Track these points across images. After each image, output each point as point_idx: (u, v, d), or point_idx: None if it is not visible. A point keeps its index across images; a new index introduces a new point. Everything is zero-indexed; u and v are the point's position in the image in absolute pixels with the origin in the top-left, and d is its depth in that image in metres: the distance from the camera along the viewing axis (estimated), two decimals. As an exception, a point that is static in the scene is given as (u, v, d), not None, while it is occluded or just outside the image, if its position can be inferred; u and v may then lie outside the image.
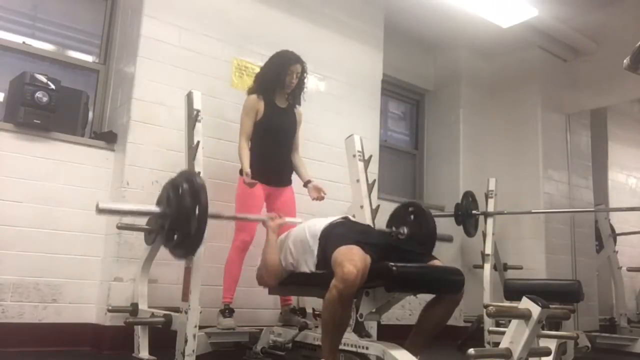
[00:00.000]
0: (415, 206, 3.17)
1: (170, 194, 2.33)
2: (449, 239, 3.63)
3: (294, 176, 3.34)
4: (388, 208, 3.38)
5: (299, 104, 3.37)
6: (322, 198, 3.18)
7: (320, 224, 2.46)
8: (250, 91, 3.26)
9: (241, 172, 3.21)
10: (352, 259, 2.09)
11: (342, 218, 2.57)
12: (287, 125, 3.30)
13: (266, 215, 2.75)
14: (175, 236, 2.30)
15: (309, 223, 2.55)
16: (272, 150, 3.20)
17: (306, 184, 3.24)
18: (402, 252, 2.36)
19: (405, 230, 3.06)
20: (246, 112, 3.19)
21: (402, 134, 5.73)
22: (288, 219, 2.78)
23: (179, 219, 2.28)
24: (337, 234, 2.35)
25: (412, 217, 3.10)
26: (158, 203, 2.41)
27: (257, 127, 3.17)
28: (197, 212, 2.23)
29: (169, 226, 2.31)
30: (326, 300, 2.12)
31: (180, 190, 2.29)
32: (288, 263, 2.53)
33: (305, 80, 3.32)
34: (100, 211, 2.26)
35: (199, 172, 2.59)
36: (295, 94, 3.32)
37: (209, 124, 3.16)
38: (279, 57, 3.24)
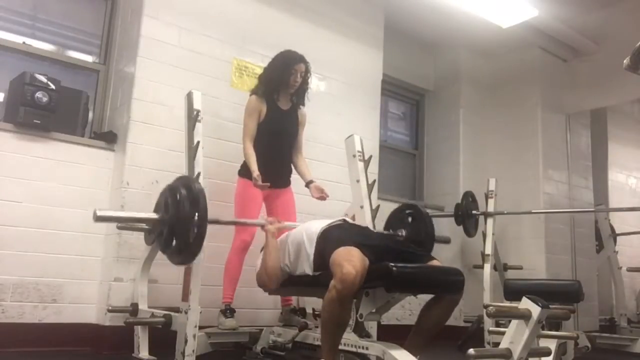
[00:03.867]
0: (413, 208, 3.15)
1: (168, 200, 2.30)
2: (446, 241, 3.62)
3: (294, 177, 3.34)
4: (388, 208, 3.38)
5: (303, 105, 3.36)
6: (324, 198, 3.17)
7: (317, 226, 2.46)
8: (253, 92, 3.25)
9: (240, 172, 3.21)
10: (350, 260, 2.10)
11: (340, 220, 2.58)
12: (288, 127, 3.29)
13: (265, 220, 2.73)
14: (174, 242, 2.27)
15: (307, 225, 2.56)
16: (271, 152, 3.19)
17: (308, 184, 3.24)
18: (401, 252, 2.36)
19: (403, 232, 3.04)
20: (249, 113, 3.18)
21: (402, 134, 5.73)
22: (287, 223, 2.77)
23: (177, 226, 2.25)
24: (336, 235, 2.36)
25: (409, 219, 3.08)
26: (156, 209, 2.38)
27: (259, 129, 3.17)
28: (196, 218, 2.21)
29: (168, 233, 2.28)
30: (325, 301, 2.12)
31: (178, 197, 2.26)
32: (285, 264, 2.53)
33: (309, 80, 3.31)
34: (98, 219, 2.23)
35: (199, 173, 2.59)
36: (299, 94, 3.31)
37: (209, 124, 3.16)
38: (283, 57, 3.23)
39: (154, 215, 2.35)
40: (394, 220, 3.18)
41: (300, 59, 3.21)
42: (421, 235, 3.01)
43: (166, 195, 2.34)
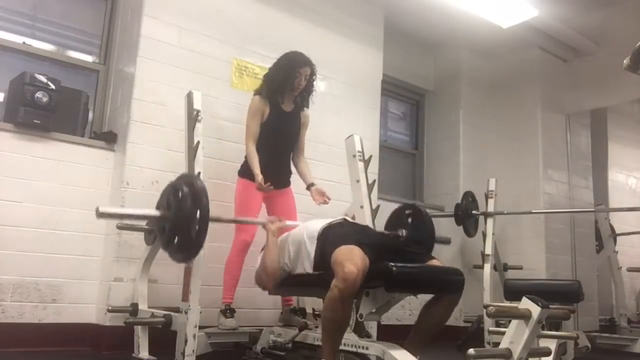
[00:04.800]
0: (413, 208, 3.12)
1: (170, 197, 2.32)
2: (446, 242, 3.62)
3: (294, 177, 3.34)
4: (388, 208, 3.37)
5: (307, 107, 3.34)
6: (326, 202, 3.16)
7: (318, 225, 2.46)
8: (257, 92, 3.23)
9: (240, 172, 3.21)
10: (352, 259, 2.10)
11: (340, 219, 2.58)
12: (290, 129, 3.28)
13: (266, 218, 2.74)
14: (176, 240, 2.28)
15: (307, 224, 2.56)
16: (272, 152, 3.18)
17: (309, 186, 3.23)
18: (401, 252, 2.36)
19: (403, 232, 3.02)
20: (252, 113, 3.16)
21: (402, 134, 5.73)
22: (288, 222, 2.77)
23: (179, 223, 2.26)
24: (336, 234, 2.36)
25: (410, 219, 3.06)
26: (158, 207, 2.40)
27: (261, 130, 3.16)
28: (198, 216, 2.22)
29: (169, 230, 2.29)
30: (327, 300, 2.12)
31: (180, 194, 2.27)
32: (285, 263, 2.53)
33: (314, 83, 3.29)
34: (101, 215, 2.25)
35: (199, 173, 2.59)
36: (304, 96, 3.29)
37: (209, 124, 3.16)
38: (288, 58, 3.21)
39: (156, 212, 2.36)
40: (394, 220, 3.16)
41: (306, 61, 3.18)
42: (422, 236, 2.98)
43: (169, 192, 2.35)
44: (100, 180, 3.28)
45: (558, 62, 5.41)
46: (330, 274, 2.14)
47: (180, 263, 2.50)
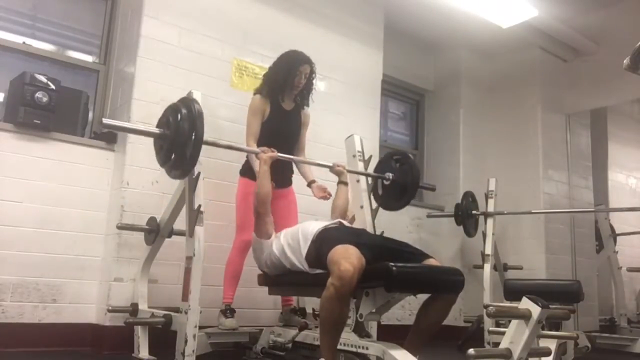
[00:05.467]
0: (401, 154, 3.35)
1: (170, 118, 2.42)
2: (432, 188, 3.70)
3: (295, 177, 3.34)
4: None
5: (307, 105, 3.34)
6: (327, 197, 3.16)
7: (315, 226, 2.48)
8: (257, 91, 3.23)
9: (242, 172, 3.21)
10: (348, 258, 2.11)
11: (336, 223, 2.60)
12: (291, 128, 3.28)
13: (260, 148, 2.83)
14: (172, 157, 2.40)
15: (304, 225, 2.58)
16: None
17: (310, 184, 3.24)
18: (397, 252, 2.36)
19: (390, 176, 3.26)
20: (253, 113, 3.16)
21: (402, 134, 5.73)
22: (280, 155, 2.82)
23: (176, 141, 2.37)
24: (333, 235, 2.38)
25: (397, 164, 3.28)
26: (159, 125, 2.49)
27: (261, 129, 3.15)
28: (193, 137, 2.34)
29: (167, 148, 2.40)
30: (323, 299, 2.13)
31: (179, 116, 2.38)
32: (273, 257, 2.56)
33: (314, 82, 3.30)
34: (104, 126, 2.41)
35: (199, 173, 2.59)
36: (304, 95, 3.29)
37: (209, 124, 3.14)
38: (288, 57, 3.21)
39: (157, 130, 2.45)
40: (382, 165, 3.37)
41: (306, 60, 3.19)
42: (407, 179, 3.23)
43: (169, 112, 2.45)
44: (100, 180, 3.28)
45: (558, 62, 5.42)
46: (329, 274, 2.14)
47: (176, 179, 2.57)
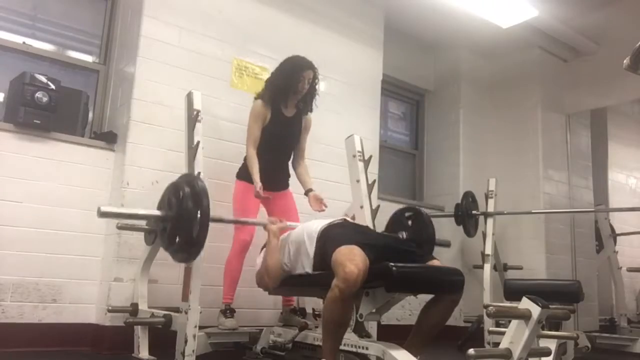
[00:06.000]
0: (413, 211, 3.11)
1: (171, 197, 2.34)
2: (447, 244, 3.61)
3: (293, 180, 3.33)
4: (388, 208, 3.37)
5: (311, 111, 3.32)
6: (322, 210, 3.15)
7: (317, 225, 2.47)
8: (259, 96, 3.22)
9: (238, 175, 3.21)
10: (353, 259, 2.10)
11: (340, 220, 2.58)
12: (291, 134, 3.27)
13: (267, 219, 2.75)
14: (177, 240, 2.31)
15: (307, 224, 2.56)
16: (271, 156, 3.16)
17: (307, 192, 3.23)
18: (401, 252, 2.36)
19: (404, 235, 3.00)
20: (254, 118, 3.15)
21: (402, 134, 5.73)
22: (289, 223, 2.77)
23: (180, 223, 2.28)
24: (337, 234, 2.36)
25: (410, 222, 3.05)
26: (159, 206, 2.42)
27: (261, 133, 3.15)
28: (199, 216, 2.24)
29: (170, 230, 2.32)
30: (328, 300, 2.13)
31: (181, 194, 2.29)
32: (284, 263, 2.53)
33: (317, 87, 3.28)
34: (102, 214, 2.28)
35: (199, 173, 2.59)
36: (307, 100, 3.27)
37: (209, 124, 3.16)
38: (292, 63, 3.19)
39: (158, 212, 2.38)
40: (394, 223, 3.13)
41: (309, 65, 3.17)
42: (422, 238, 2.96)
43: (170, 192, 2.37)
44: (100, 180, 3.27)
45: (558, 62, 5.42)
46: (330, 274, 2.14)
47: (182, 263, 2.50)
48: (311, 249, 2.39)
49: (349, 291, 2.07)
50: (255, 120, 3.15)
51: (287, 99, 3.21)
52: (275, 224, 2.65)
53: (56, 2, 3.68)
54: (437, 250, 3.10)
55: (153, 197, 2.77)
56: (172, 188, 2.39)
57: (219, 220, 2.59)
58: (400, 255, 2.29)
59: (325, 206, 3.15)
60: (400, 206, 3.31)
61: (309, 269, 2.39)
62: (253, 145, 3.11)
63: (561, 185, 5.26)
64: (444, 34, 5.29)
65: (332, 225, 2.47)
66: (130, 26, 3.50)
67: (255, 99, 3.22)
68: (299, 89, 3.18)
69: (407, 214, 3.08)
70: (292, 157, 3.33)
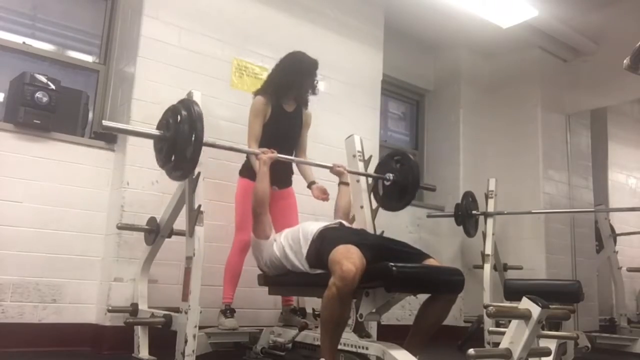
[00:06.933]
0: (401, 154, 3.33)
1: (169, 120, 2.43)
2: (432, 188, 3.71)
3: (296, 178, 3.33)
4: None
5: (306, 107, 3.33)
6: (326, 199, 3.16)
7: (315, 226, 2.49)
8: (259, 92, 3.22)
9: (241, 172, 3.21)
10: (350, 258, 2.11)
11: (336, 224, 2.61)
12: (292, 129, 3.28)
13: (260, 149, 2.84)
14: (172, 159, 2.42)
15: (304, 225, 2.58)
16: None
17: (310, 185, 3.23)
18: (397, 252, 2.37)
19: (390, 176, 3.24)
20: (255, 114, 3.15)
21: (402, 134, 5.73)
22: (280, 156, 2.82)
23: (176, 144, 2.38)
24: (333, 235, 2.38)
25: (397, 165, 3.27)
26: (158, 127, 2.51)
27: (262, 130, 3.15)
28: (193, 139, 2.34)
29: (167, 149, 2.42)
30: (325, 299, 2.13)
31: (179, 118, 2.38)
32: (273, 258, 2.56)
33: (317, 84, 3.29)
34: (105, 128, 2.43)
35: (199, 173, 2.59)
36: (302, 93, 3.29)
37: (209, 124, 3.14)
38: (300, 62, 3.20)
39: (157, 132, 2.46)
40: (382, 166, 3.35)
41: (316, 66, 3.21)
42: (408, 180, 3.21)
43: (168, 115, 2.46)
44: (100, 180, 3.27)
45: (558, 62, 5.42)
46: (330, 274, 2.14)
47: (176, 180, 2.58)
48: (305, 249, 2.42)
49: (347, 289, 2.07)
50: (255, 117, 3.15)
51: (288, 95, 3.21)
52: (266, 153, 2.77)
53: (56, 2, 3.68)
54: (437, 248, 3.14)
55: (153, 197, 2.78)
56: (171, 111, 2.47)
57: (213, 145, 2.66)
58: (396, 255, 2.29)
59: (329, 196, 3.16)
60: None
61: (299, 264, 2.43)
62: (255, 142, 3.11)
63: (561, 185, 5.26)
64: (444, 34, 5.29)
65: (329, 228, 2.50)
66: (130, 26, 3.50)
67: (255, 95, 3.22)
68: (303, 92, 3.21)
69: (395, 157, 3.32)
70: (294, 153, 3.33)
